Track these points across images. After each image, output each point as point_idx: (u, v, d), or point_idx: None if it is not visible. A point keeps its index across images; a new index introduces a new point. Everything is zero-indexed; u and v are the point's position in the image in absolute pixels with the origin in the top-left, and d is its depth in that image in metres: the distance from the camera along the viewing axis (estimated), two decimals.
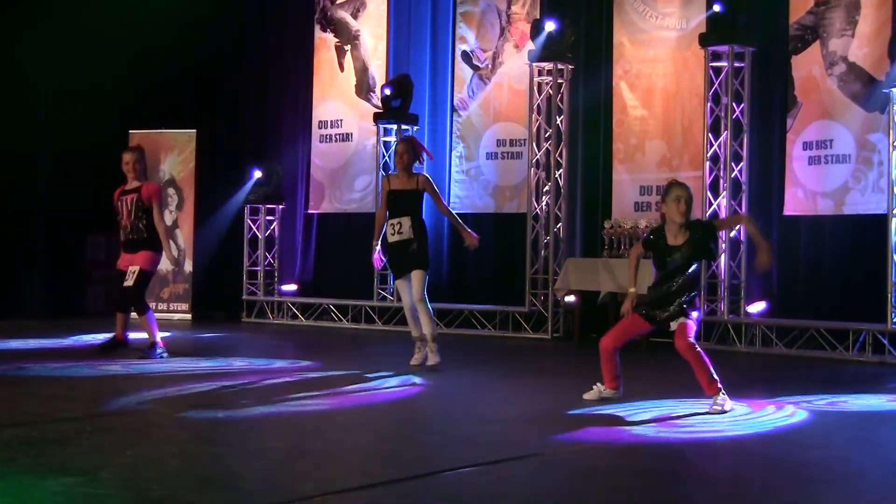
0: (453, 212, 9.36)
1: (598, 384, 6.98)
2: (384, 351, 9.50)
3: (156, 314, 9.44)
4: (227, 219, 14.68)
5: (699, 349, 6.67)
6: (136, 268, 8.93)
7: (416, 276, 8.48)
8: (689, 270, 6.63)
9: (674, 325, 6.64)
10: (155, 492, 4.13)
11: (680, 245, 6.62)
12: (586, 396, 6.96)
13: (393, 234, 8.58)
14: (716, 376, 6.59)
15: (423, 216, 8.79)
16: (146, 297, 9.28)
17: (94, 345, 9.58)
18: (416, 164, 8.93)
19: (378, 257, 9.21)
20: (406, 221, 8.54)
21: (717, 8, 10.75)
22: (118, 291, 9.16)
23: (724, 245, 10.86)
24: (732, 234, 10.90)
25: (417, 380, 7.96)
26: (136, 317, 9.08)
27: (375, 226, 9.00)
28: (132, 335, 9.26)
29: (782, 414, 6.74)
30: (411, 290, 8.49)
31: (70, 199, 13.81)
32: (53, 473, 4.36)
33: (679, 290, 6.62)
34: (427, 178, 8.81)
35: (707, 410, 6.50)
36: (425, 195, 8.74)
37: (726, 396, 6.60)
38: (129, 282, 8.93)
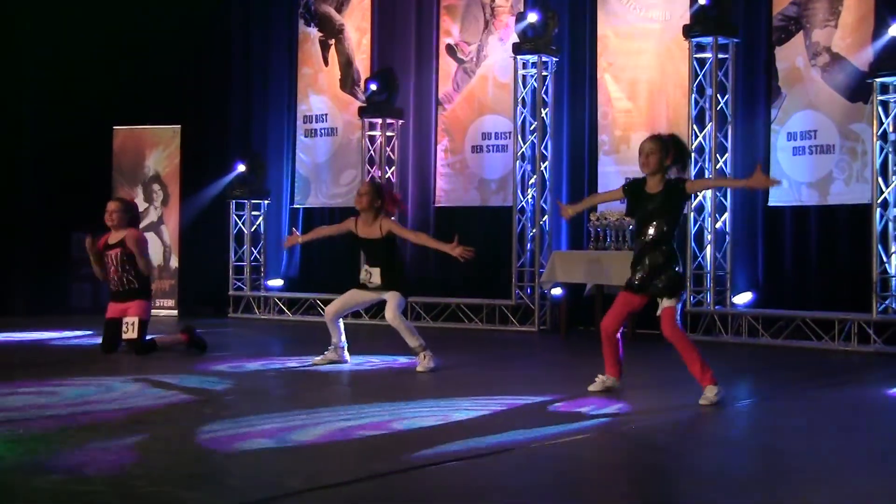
0: (424, 235, 9.00)
1: (601, 375, 6.96)
2: (371, 345, 9.48)
3: None
4: (211, 213, 14.64)
5: (687, 336, 6.67)
6: (135, 319, 8.83)
7: (391, 297, 8.20)
8: (664, 224, 6.60)
9: (659, 309, 6.62)
10: (142, 488, 4.12)
11: (654, 194, 6.68)
12: (591, 388, 6.93)
13: (364, 280, 8.36)
14: (708, 366, 6.56)
15: (398, 256, 8.60)
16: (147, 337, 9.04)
17: (80, 342, 9.51)
18: (382, 213, 8.44)
19: (291, 243, 9.03)
20: (376, 272, 8.28)
21: (702, 0, 10.75)
22: (106, 339, 8.96)
23: (709, 236, 10.89)
24: (719, 225, 10.92)
25: (404, 374, 7.96)
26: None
27: (313, 231, 8.99)
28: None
29: (765, 405, 6.76)
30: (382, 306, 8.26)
31: (54, 196, 13.76)
32: (40, 471, 4.34)
33: (654, 245, 6.59)
34: (390, 222, 8.40)
35: (700, 402, 6.48)
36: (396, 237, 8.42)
37: (720, 389, 6.54)
38: (132, 334, 8.82)
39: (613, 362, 6.93)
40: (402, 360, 8.72)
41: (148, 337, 8.98)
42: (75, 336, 10.71)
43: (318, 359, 8.50)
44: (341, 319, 8.54)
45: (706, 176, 10.91)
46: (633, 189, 6.85)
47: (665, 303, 6.60)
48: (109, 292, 9.20)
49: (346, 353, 8.55)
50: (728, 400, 6.64)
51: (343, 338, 8.53)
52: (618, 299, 6.87)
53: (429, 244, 8.74)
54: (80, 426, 5.45)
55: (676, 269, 6.65)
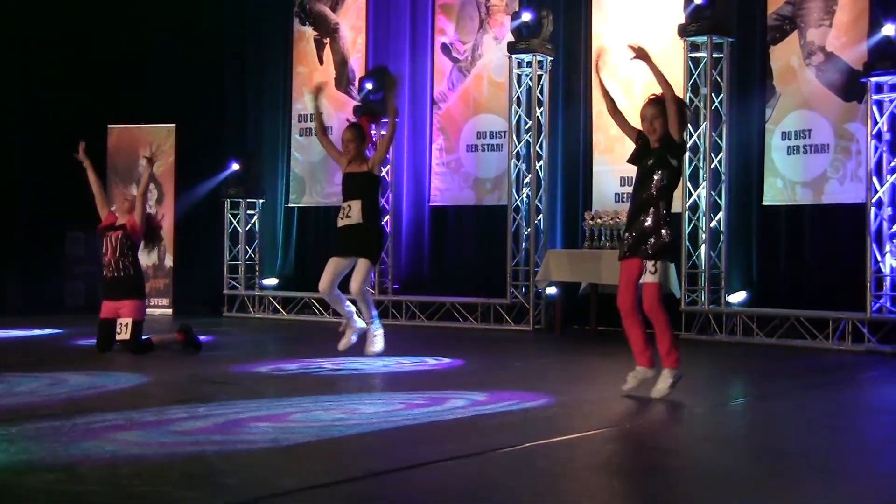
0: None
1: (630, 373, 6.65)
2: (360, 345, 9.46)
3: None
4: (206, 212, 14.64)
5: (667, 316, 6.54)
6: (129, 320, 8.78)
7: (362, 265, 8.10)
8: (664, 178, 6.55)
9: (642, 278, 6.50)
10: (136, 487, 4.12)
11: (654, 149, 6.65)
12: (624, 388, 6.62)
13: (342, 218, 8.21)
14: (676, 349, 6.46)
15: (379, 202, 8.55)
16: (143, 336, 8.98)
17: (74, 343, 9.49)
18: (367, 150, 8.48)
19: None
20: (356, 205, 8.15)
21: (697, 0, 10.76)
22: (101, 339, 8.89)
23: (703, 235, 10.89)
24: (713, 224, 10.93)
25: (396, 371, 7.96)
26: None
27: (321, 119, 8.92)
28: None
29: (759, 404, 6.77)
30: (351, 277, 8.15)
31: (49, 195, 13.74)
32: (33, 470, 4.33)
33: (647, 204, 6.53)
34: (374, 158, 8.35)
35: (658, 384, 6.44)
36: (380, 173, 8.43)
37: (678, 373, 6.47)
38: (125, 335, 8.77)
39: (642, 348, 6.56)
40: (400, 360, 8.71)
41: (144, 336, 8.96)
42: (69, 334, 10.68)
43: (341, 343, 8.41)
44: (337, 289, 8.38)
45: (701, 177, 10.93)
46: (642, 141, 6.76)
47: (648, 277, 6.45)
48: (102, 288, 9.15)
49: (357, 319, 8.46)
50: (682, 380, 6.51)
51: (348, 304, 8.42)
52: (621, 272, 6.65)
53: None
54: (75, 425, 5.44)
55: (663, 233, 6.48)
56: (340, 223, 8.25)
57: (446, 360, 8.80)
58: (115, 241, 8.87)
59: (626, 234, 6.67)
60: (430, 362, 8.62)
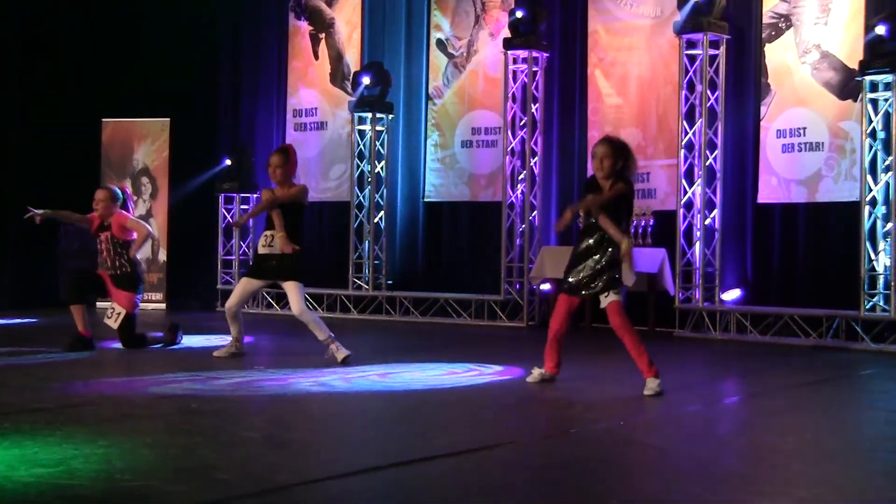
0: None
1: (538, 368, 7.07)
2: (361, 342, 9.48)
3: None
4: (200, 207, 14.61)
5: (633, 329, 6.75)
6: (122, 310, 8.77)
7: (291, 288, 8.09)
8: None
9: (604, 302, 6.73)
10: (128, 482, 4.11)
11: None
12: (528, 379, 7.08)
13: (263, 247, 8.19)
14: (648, 357, 6.65)
15: (300, 229, 8.31)
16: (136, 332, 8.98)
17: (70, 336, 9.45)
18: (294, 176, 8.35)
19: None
20: (278, 238, 8.05)
21: None
22: (78, 282, 9.00)
23: (698, 233, 10.89)
24: (708, 222, 10.93)
25: (391, 369, 7.95)
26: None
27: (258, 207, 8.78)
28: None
29: (752, 401, 6.77)
30: (289, 299, 8.12)
31: (43, 188, 13.70)
32: (25, 464, 4.32)
33: (598, 246, 6.68)
34: (300, 188, 8.27)
35: (644, 393, 6.56)
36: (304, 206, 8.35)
37: (659, 380, 6.62)
38: (113, 322, 8.77)
39: (556, 362, 7.02)
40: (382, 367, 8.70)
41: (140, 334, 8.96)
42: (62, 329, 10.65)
43: (219, 351, 8.45)
44: (241, 312, 8.43)
45: (696, 174, 10.93)
46: (589, 187, 6.90)
47: (610, 296, 6.70)
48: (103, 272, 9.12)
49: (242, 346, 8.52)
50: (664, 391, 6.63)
51: (242, 330, 8.46)
52: (558, 302, 6.99)
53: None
54: (67, 420, 5.43)
55: (615, 273, 6.72)
56: (261, 251, 8.24)
57: (437, 357, 8.78)
58: (105, 241, 8.89)
59: (573, 278, 6.84)
60: (345, 352, 8.60)
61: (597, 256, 6.73)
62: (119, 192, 9.16)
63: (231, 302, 8.33)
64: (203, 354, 8.68)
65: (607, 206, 6.68)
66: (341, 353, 8.11)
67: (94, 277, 9.00)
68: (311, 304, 13.58)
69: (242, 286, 8.39)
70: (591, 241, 6.75)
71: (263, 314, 13.69)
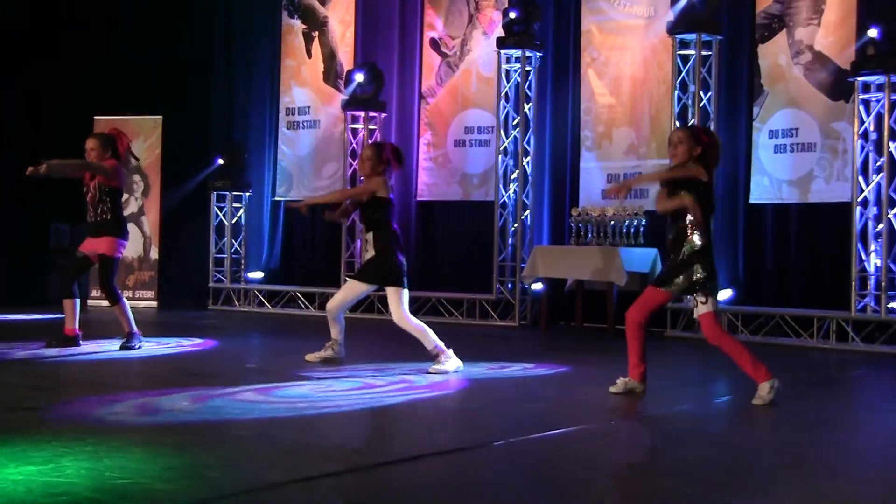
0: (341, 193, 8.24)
1: (622, 378, 6.60)
2: (352, 342, 9.45)
3: None
4: (192, 205, 14.59)
5: (732, 340, 6.53)
6: (103, 255, 8.60)
7: (391, 294, 7.63)
8: (682, 217, 6.37)
9: (696, 312, 6.43)
10: (117, 480, 4.09)
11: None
12: (611, 389, 6.59)
13: (366, 251, 8.02)
14: (758, 362, 6.43)
15: (392, 224, 7.76)
16: (116, 286, 8.78)
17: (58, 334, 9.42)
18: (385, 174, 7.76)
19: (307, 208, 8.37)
20: (370, 238, 7.78)
21: None
22: (67, 275, 8.78)
23: None
24: None
25: (381, 368, 7.95)
26: (109, 306, 8.85)
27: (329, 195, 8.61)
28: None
29: (743, 402, 6.78)
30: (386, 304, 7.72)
31: (34, 186, 13.65)
32: (14, 462, 4.30)
33: (681, 239, 6.36)
34: (377, 181, 7.68)
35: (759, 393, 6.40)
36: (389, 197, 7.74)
37: (775, 382, 6.41)
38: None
39: (636, 362, 6.53)
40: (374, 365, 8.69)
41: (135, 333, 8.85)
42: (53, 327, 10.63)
43: (312, 356, 8.02)
44: (342, 315, 8.01)
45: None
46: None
47: (700, 308, 6.38)
48: (86, 226, 8.97)
49: (343, 349, 8.11)
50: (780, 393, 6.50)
51: (343, 334, 8.05)
52: (645, 292, 6.61)
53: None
54: (57, 417, 5.41)
55: (698, 268, 6.35)
56: (365, 256, 7.96)
57: (428, 356, 8.77)
58: (93, 189, 8.65)
59: (663, 268, 6.57)
60: (408, 359, 8.60)
61: (672, 256, 6.45)
62: (109, 138, 8.93)
63: (330, 303, 7.91)
64: (193, 352, 8.66)
65: (674, 184, 6.36)
66: (446, 365, 7.55)
67: (80, 262, 8.77)
68: (303, 302, 13.59)
69: (347, 287, 7.96)
70: (670, 235, 6.47)
71: (255, 311, 13.66)
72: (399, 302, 7.59)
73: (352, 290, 7.88)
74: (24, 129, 13.88)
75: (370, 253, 7.86)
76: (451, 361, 7.60)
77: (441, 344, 7.63)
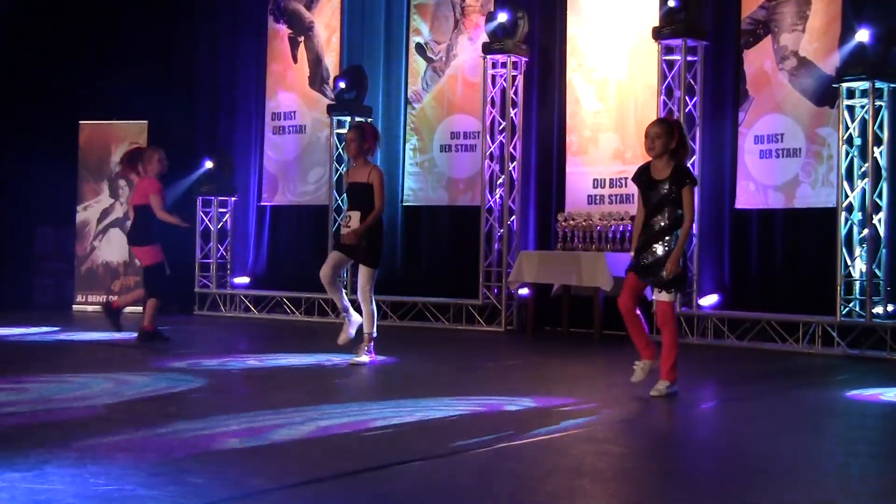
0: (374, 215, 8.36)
1: (637, 362, 6.91)
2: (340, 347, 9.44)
3: None
4: (178, 210, 14.52)
5: (675, 335, 6.78)
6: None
7: (363, 271, 8.26)
8: (675, 211, 6.67)
9: (656, 295, 6.75)
10: (101, 486, 4.07)
11: (662, 180, 6.74)
12: (633, 379, 6.88)
13: (344, 227, 8.36)
14: (676, 366, 6.74)
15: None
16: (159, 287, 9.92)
17: (43, 338, 9.39)
18: (370, 154, 8.53)
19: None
20: (356, 216, 8.25)
21: (671, 3, 10.78)
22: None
23: None
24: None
25: (368, 372, 7.93)
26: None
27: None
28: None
29: (730, 406, 6.79)
30: (356, 279, 8.41)
31: (18, 190, 13.62)
32: None
33: (665, 230, 6.67)
34: (379, 172, 8.40)
35: (651, 393, 6.69)
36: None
37: (675, 389, 6.72)
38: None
39: (645, 344, 6.84)
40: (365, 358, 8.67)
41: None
42: (38, 332, 10.59)
43: (340, 337, 8.61)
44: (338, 280, 8.63)
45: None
46: (641, 177, 6.88)
47: (662, 295, 6.71)
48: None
49: (353, 312, 8.59)
50: (676, 397, 6.74)
51: (346, 299, 8.62)
52: (626, 279, 6.91)
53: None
54: (42, 424, 5.39)
55: (679, 264, 6.68)
56: (342, 231, 8.43)
57: (416, 360, 8.75)
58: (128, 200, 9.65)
59: (644, 260, 6.78)
60: (395, 363, 8.59)
61: (660, 245, 6.75)
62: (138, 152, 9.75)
63: (322, 271, 8.42)
64: (180, 357, 8.63)
65: (674, 185, 6.71)
66: (364, 356, 8.34)
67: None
68: (289, 308, 13.56)
69: (333, 255, 8.54)
70: (654, 229, 6.78)
71: (242, 317, 13.62)
72: (369, 279, 8.25)
73: (338, 255, 8.44)
74: (7, 134, 13.81)
75: (349, 229, 8.30)
76: (367, 356, 8.35)
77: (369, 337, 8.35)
